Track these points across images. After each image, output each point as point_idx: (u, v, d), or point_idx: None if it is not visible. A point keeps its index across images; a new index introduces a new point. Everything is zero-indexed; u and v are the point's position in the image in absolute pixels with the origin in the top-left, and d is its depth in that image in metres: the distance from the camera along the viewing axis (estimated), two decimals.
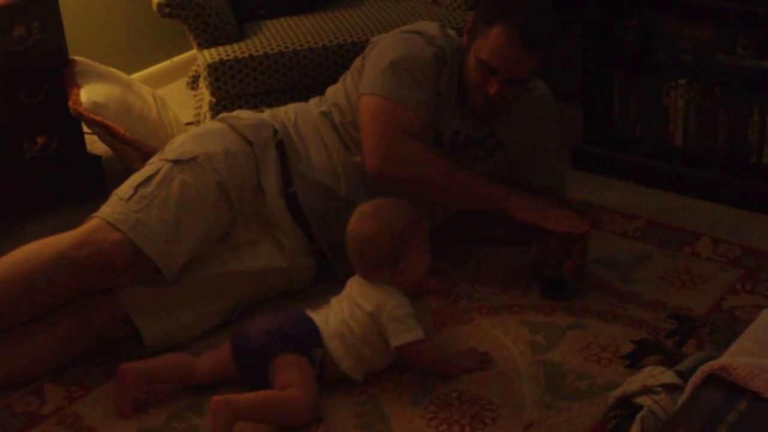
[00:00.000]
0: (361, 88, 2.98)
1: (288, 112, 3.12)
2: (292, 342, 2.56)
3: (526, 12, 2.85)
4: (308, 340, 2.59)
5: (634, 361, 2.63)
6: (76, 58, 3.63)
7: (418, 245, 2.66)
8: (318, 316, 2.65)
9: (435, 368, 2.67)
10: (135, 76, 4.36)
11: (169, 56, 4.69)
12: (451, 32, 3.10)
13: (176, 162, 2.86)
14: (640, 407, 2.30)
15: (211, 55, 3.61)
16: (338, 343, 2.61)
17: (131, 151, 3.49)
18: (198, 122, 3.87)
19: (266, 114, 3.11)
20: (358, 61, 3.10)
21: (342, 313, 2.64)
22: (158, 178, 2.83)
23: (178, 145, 2.95)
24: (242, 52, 3.60)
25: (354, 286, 2.68)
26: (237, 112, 3.14)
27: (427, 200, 2.98)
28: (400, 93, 2.91)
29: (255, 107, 3.56)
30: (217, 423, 2.41)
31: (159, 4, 3.64)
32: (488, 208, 2.97)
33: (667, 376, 2.34)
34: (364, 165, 2.97)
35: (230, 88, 3.60)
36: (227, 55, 3.59)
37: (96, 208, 2.85)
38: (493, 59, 2.86)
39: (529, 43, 2.83)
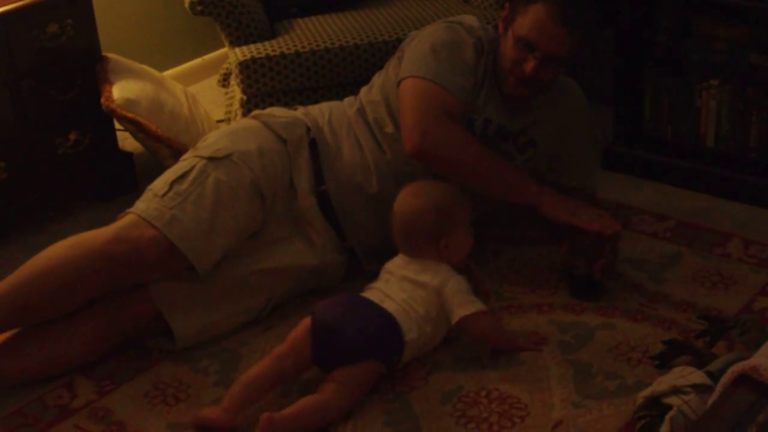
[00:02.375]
0: (402, 72, 3.00)
1: (322, 110, 3.13)
2: (381, 350, 2.58)
3: None
4: (394, 348, 2.61)
5: (664, 362, 2.62)
6: (109, 55, 3.65)
7: (460, 224, 2.72)
8: (387, 303, 2.66)
9: (492, 340, 2.72)
10: (167, 73, 4.38)
11: (200, 54, 4.71)
12: (488, 26, 3.12)
13: (211, 159, 2.88)
14: (670, 407, 2.30)
15: (242, 53, 3.62)
16: (404, 318, 2.63)
17: (162, 148, 3.51)
18: (229, 120, 3.89)
19: (300, 112, 3.12)
20: (394, 57, 3.12)
21: (398, 294, 2.66)
22: (193, 174, 2.84)
23: (212, 142, 2.96)
24: (274, 50, 3.61)
25: (407, 267, 2.71)
26: (270, 110, 3.15)
27: (460, 184, 2.99)
28: (441, 75, 2.94)
29: (286, 105, 3.58)
30: None
31: (191, 2, 3.66)
32: (519, 201, 2.98)
33: (697, 376, 2.33)
34: (394, 163, 2.99)
35: (261, 86, 3.61)
36: (259, 53, 3.60)
37: (127, 205, 2.86)
38: (532, 34, 2.89)
39: (568, 19, 2.87)
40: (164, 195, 2.81)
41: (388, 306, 2.64)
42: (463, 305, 2.65)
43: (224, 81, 4.11)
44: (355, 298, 2.72)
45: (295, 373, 2.60)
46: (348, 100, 3.18)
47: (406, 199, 2.75)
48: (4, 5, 3.27)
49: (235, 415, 2.49)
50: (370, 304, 2.66)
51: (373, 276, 2.82)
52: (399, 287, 2.69)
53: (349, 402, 2.53)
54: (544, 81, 2.99)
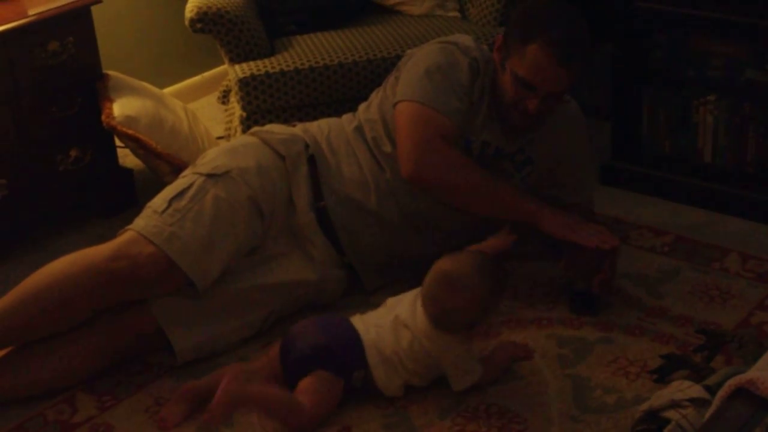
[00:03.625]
0: (397, 95, 3.00)
1: (321, 127, 3.14)
2: (334, 363, 2.58)
3: (560, 27, 2.87)
4: (351, 363, 2.61)
5: (662, 376, 2.63)
6: (109, 72, 3.67)
7: (495, 307, 2.69)
8: (368, 334, 2.63)
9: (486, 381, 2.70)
10: (167, 90, 4.39)
11: (200, 71, 4.73)
12: (484, 46, 3.13)
13: (210, 176, 2.89)
14: (668, 421, 2.30)
15: (242, 69, 3.64)
16: (384, 371, 2.61)
17: (162, 164, 3.52)
18: (229, 136, 3.90)
19: (298, 128, 3.14)
20: (392, 76, 3.13)
21: (398, 344, 2.61)
22: (192, 191, 2.86)
23: (211, 159, 2.97)
24: (273, 67, 3.63)
25: (420, 320, 2.60)
26: (269, 127, 3.17)
27: (459, 207, 3.00)
28: (436, 99, 2.93)
29: (285, 122, 3.59)
30: (225, 396, 2.43)
31: (191, 20, 3.67)
32: (519, 220, 2.97)
33: (695, 390, 2.34)
34: (393, 181, 3.00)
35: (261, 103, 3.63)
36: (258, 70, 3.62)
37: (127, 221, 2.87)
38: (531, 77, 2.88)
39: (566, 58, 2.85)
40: (163, 212, 2.82)
41: (383, 349, 2.62)
42: (459, 380, 2.62)
43: (224, 98, 4.12)
44: (328, 316, 2.76)
45: (265, 381, 2.64)
46: (347, 117, 3.20)
47: (448, 290, 2.57)
48: (6, 23, 3.29)
49: (190, 402, 2.62)
50: (334, 319, 2.70)
51: (373, 293, 2.82)
52: (404, 335, 2.61)
53: (316, 409, 2.52)
54: (547, 112, 2.99)
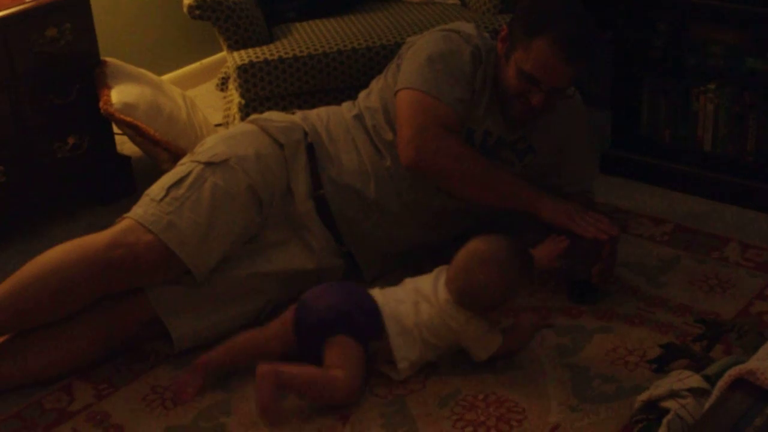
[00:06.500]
0: (398, 83, 2.99)
1: (320, 115, 3.13)
2: (353, 327, 2.59)
3: (566, 23, 2.84)
4: (369, 331, 2.61)
5: (661, 366, 2.63)
6: (107, 59, 3.66)
7: (522, 290, 2.69)
8: (387, 305, 2.64)
9: (511, 350, 2.73)
10: (165, 77, 4.39)
11: (199, 58, 4.72)
12: (485, 34, 3.11)
13: (208, 164, 2.88)
14: (667, 411, 2.30)
15: (240, 57, 3.63)
16: (404, 341, 2.63)
17: (161, 151, 3.51)
18: (227, 124, 3.89)
19: (297, 116, 3.12)
20: (393, 63, 3.11)
21: (418, 316, 2.63)
22: (190, 180, 2.85)
23: (209, 147, 2.96)
24: (272, 54, 3.62)
25: (442, 297, 2.63)
26: (268, 114, 3.16)
27: (458, 196, 2.99)
28: (437, 87, 2.92)
29: (284, 109, 3.58)
30: (264, 388, 2.47)
31: (189, 6, 3.66)
32: (518, 209, 2.97)
33: (694, 380, 2.33)
34: (393, 168, 2.99)
35: (259, 90, 3.62)
36: (257, 57, 3.61)
37: (125, 209, 2.87)
38: (536, 72, 2.86)
39: (572, 54, 2.83)
40: (161, 200, 2.81)
41: (404, 321, 2.63)
42: (480, 352, 2.65)
43: (222, 85, 4.11)
44: (345, 283, 2.77)
45: (279, 348, 2.66)
46: (346, 104, 3.18)
47: (479, 266, 2.59)
48: (3, 9, 3.28)
49: (205, 374, 2.64)
50: (351, 286, 2.72)
51: (372, 282, 2.83)
52: (425, 308, 2.63)
53: (352, 376, 2.54)
54: (549, 105, 2.98)
